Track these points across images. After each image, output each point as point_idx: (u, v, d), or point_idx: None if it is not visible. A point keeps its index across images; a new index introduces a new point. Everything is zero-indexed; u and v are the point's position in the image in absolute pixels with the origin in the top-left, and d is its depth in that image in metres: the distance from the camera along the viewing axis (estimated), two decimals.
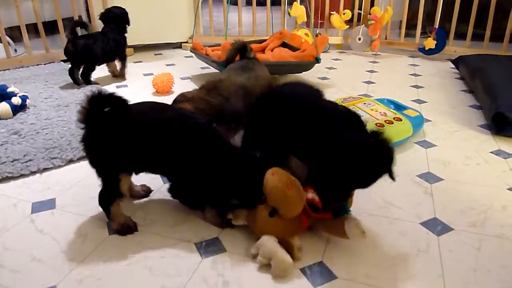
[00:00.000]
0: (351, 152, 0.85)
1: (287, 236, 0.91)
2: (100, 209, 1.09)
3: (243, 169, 0.95)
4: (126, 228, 1.01)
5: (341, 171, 0.86)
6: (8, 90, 1.80)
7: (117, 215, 1.01)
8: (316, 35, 2.18)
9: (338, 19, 2.82)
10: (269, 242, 0.88)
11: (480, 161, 1.35)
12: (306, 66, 2.13)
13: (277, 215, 0.91)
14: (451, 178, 1.25)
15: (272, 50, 2.34)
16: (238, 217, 0.97)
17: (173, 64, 2.61)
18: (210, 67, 2.30)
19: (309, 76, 2.29)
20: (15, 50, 2.65)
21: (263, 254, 0.88)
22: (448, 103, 1.88)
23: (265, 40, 2.45)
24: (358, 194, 1.16)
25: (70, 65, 2.07)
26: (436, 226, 1.03)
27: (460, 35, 2.62)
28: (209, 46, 2.26)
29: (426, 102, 1.90)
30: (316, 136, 0.92)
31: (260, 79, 1.41)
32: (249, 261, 0.92)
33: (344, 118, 0.97)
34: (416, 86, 2.13)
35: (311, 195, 0.94)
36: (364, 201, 1.13)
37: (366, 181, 0.89)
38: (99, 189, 1.16)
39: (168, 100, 1.93)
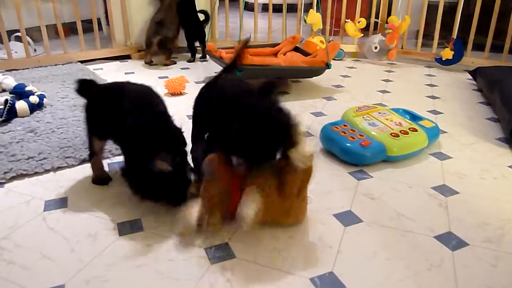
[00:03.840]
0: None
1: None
2: (111, 210, 1.10)
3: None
4: (98, 180, 1.24)
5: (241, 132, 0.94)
6: (26, 88, 1.84)
7: (94, 169, 1.25)
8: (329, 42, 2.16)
9: (352, 27, 2.81)
10: (194, 207, 0.99)
11: (497, 175, 1.32)
12: (316, 71, 2.14)
13: None
14: (467, 191, 1.22)
15: (284, 54, 2.36)
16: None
17: (187, 68, 2.62)
18: None
19: (324, 84, 2.28)
20: (35, 50, 2.70)
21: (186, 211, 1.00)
22: (465, 115, 1.85)
23: (278, 44, 2.46)
24: (370, 204, 1.15)
25: None
26: (451, 241, 1.00)
27: (478, 46, 2.58)
28: (223, 49, 2.27)
29: (442, 113, 1.87)
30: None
31: None
32: (258, 268, 0.91)
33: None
34: (432, 97, 2.10)
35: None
36: (375, 212, 1.11)
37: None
38: (110, 190, 1.21)
39: (179, 100, 1.96)
